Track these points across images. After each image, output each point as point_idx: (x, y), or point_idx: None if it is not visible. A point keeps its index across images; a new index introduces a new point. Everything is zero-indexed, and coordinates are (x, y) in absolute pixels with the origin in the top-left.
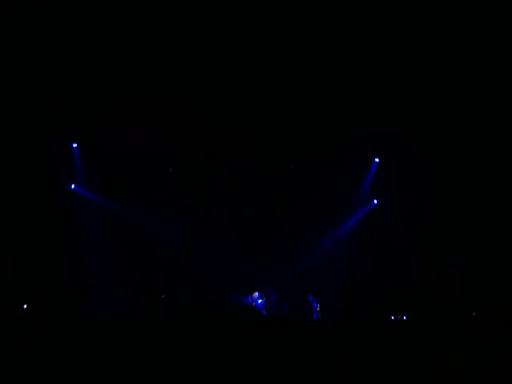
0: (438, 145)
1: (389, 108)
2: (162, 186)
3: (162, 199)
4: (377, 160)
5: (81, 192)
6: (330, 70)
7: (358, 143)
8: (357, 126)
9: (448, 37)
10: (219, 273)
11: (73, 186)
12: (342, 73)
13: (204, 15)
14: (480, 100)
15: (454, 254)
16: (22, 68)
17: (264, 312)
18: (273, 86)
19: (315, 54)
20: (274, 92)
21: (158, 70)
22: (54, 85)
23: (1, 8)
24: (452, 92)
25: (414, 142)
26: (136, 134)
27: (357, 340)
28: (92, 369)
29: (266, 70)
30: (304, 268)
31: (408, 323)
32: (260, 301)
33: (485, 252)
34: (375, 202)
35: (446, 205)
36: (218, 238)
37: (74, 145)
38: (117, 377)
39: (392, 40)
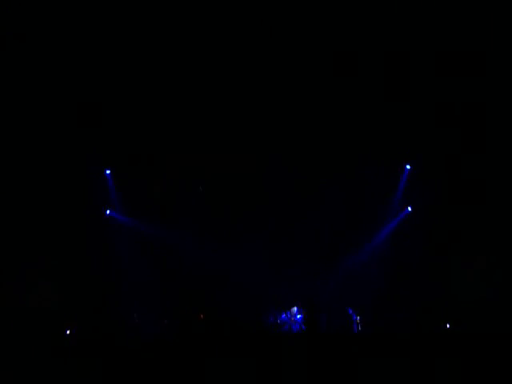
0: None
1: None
2: (194, 208)
3: (194, 220)
4: (408, 167)
5: (116, 217)
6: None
7: (386, 151)
8: (384, 133)
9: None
10: (255, 291)
11: (108, 212)
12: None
13: None
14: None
15: (492, 256)
16: (60, 93)
17: (303, 327)
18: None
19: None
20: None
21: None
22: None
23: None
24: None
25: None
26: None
27: (407, 351)
28: None
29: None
30: (341, 280)
31: (454, 331)
32: (299, 316)
33: None
34: (409, 209)
35: (481, 208)
36: (251, 256)
37: (108, 171)
38: None
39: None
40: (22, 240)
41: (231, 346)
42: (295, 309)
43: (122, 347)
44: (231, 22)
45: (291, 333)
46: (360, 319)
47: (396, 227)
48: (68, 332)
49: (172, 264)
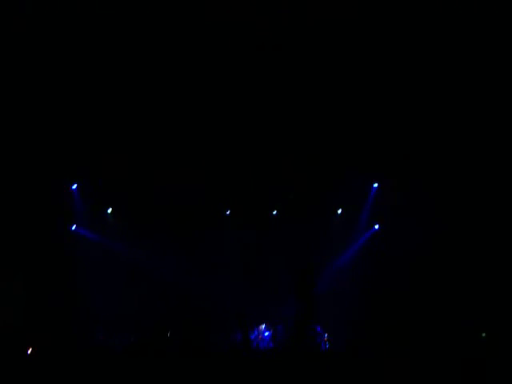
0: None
1: (387, 133)
2: (161, 225)
3: (161, 237)
4: (375, 185)
5: (82, 232)
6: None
7: (355, 169)
8: (354, 152)
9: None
10: (224, 309)
11: (74, 227)
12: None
13: None
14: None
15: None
16: (25, 107)
17: (271, 344)
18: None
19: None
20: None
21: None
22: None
23: None
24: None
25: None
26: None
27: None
28: None
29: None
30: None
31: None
32: (267, 333)
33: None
34: (376, 227)
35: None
36: (219, 274)
37: (74, 186)
38: None
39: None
40: None
41: (196, 363)
42: (263, 326)
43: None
44: None
45: (258, 350)
46: (328, 337)
47: (364, 244)
48: (29, 351)
49: (139, 280)
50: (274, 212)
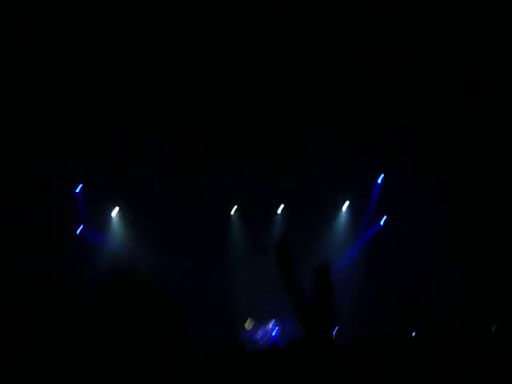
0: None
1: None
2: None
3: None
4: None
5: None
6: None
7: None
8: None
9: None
10: (228, 307)
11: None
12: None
13: None
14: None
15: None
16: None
17: (279, 343)
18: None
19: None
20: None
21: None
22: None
23: None
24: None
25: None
26: None
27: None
28: None
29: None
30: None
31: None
32: (274, 333)
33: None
34: (382, 222)
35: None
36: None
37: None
38: None
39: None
40: None
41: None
42: (270, 325)
43: None
44: None
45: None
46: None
47: (369, 239)
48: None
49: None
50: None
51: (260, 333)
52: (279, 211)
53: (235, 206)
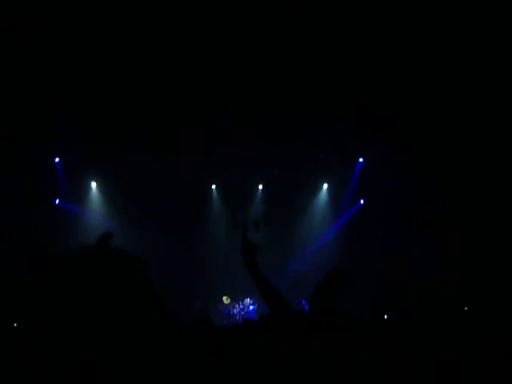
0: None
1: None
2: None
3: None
4: (361, 160)
5: (66, 206)
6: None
7: (342, 144)
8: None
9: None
10: (206, 282)
11: (57, 201)
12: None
13: None
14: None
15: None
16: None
17: (255, 318)
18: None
19: None
20: None
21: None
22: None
23: None
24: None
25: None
26: None
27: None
28: None
29: None
30: (295, 273)
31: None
32: (252, 307)
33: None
34: (361, 202)
35: (441, 199)
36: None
37: (57, 159)
38: None
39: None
40: None
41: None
42: (248, 300)
43: None
44: None
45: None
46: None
47: (349, 219)
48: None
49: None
50: (260, 187)
51: (237, 308)
52: (259, 189)
53: (214, 185)
